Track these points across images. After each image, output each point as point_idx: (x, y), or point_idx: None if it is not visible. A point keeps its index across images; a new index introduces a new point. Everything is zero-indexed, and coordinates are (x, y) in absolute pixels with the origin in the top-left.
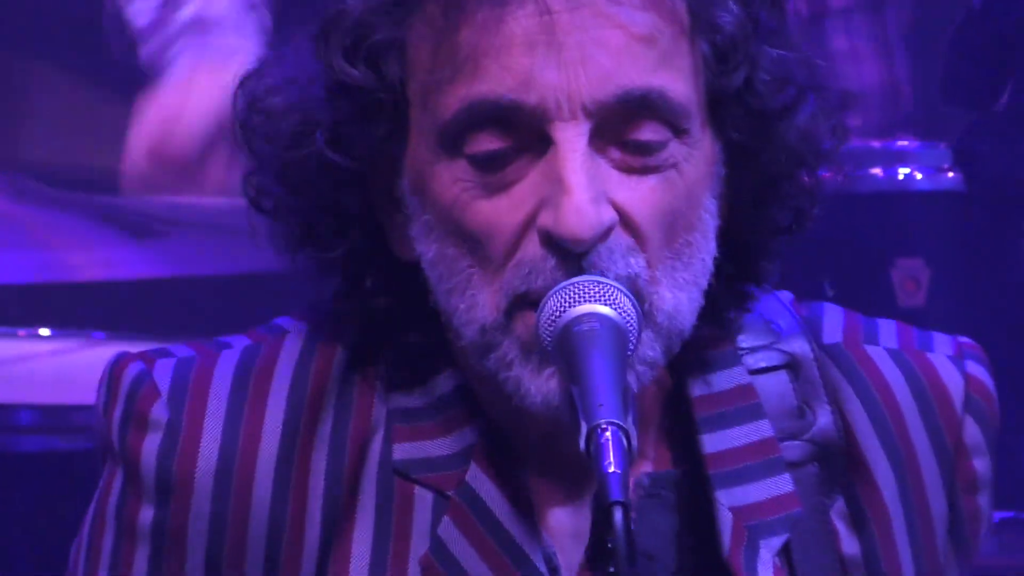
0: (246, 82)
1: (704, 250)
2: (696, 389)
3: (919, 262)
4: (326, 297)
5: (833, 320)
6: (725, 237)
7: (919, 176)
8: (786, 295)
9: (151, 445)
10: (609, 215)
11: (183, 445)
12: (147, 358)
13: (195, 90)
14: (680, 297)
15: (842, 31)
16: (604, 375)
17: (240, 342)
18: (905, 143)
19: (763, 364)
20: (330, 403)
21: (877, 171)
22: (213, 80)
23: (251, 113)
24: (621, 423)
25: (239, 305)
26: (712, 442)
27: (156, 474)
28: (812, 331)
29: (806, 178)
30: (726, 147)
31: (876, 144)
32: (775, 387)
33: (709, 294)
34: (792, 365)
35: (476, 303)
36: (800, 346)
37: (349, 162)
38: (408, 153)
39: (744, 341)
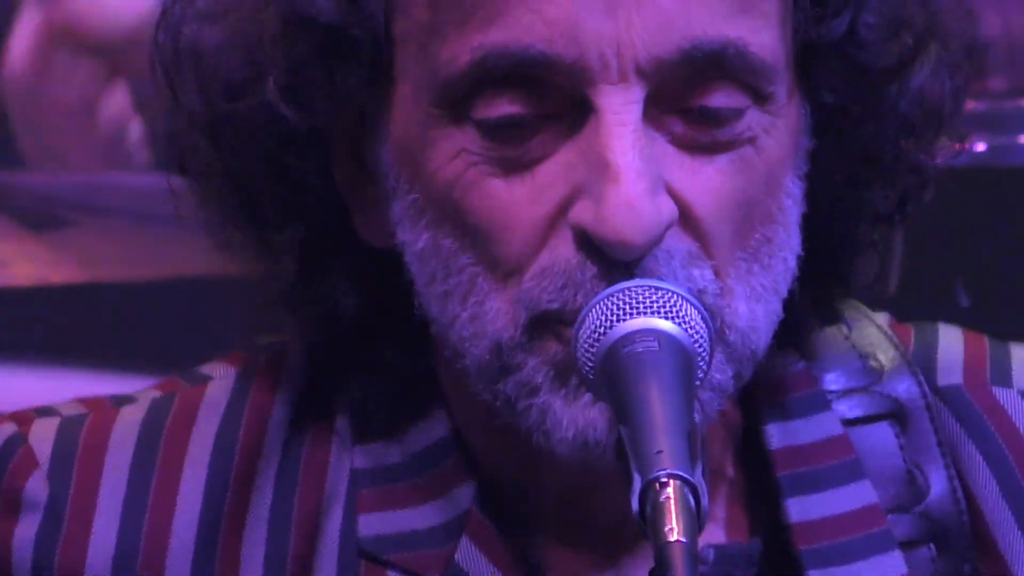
0: (170, 7)
1: (786, 247)
2: (776, 439)
3: None
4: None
5: (951, 352)
6: (808, 228)
7: None
8: (882, 316)
9: (26, 532)
10: (669, 210)
11: (69, 531)
12: (21, 418)
13: None
14: (756, 310)
15: None
16: (665, 412)
17: (147, 395)
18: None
19: (859, 413)
20: (270, 465)
21: (994, 140)
22: None
23: (177, 50)
24: (688, 476)
25: (181, 322)
26: (801, 508)
27: (33, 570)
28: (923, 367)
29: (916, 151)
30: (815, 111)
31: (996, 105)
32: (876, 443)
33: (788, 304)
34: (897, 415)
35: (484, 312)
36: (907, 389)
37: (308, 118)
38: (392, 112)
39: (833, 381)
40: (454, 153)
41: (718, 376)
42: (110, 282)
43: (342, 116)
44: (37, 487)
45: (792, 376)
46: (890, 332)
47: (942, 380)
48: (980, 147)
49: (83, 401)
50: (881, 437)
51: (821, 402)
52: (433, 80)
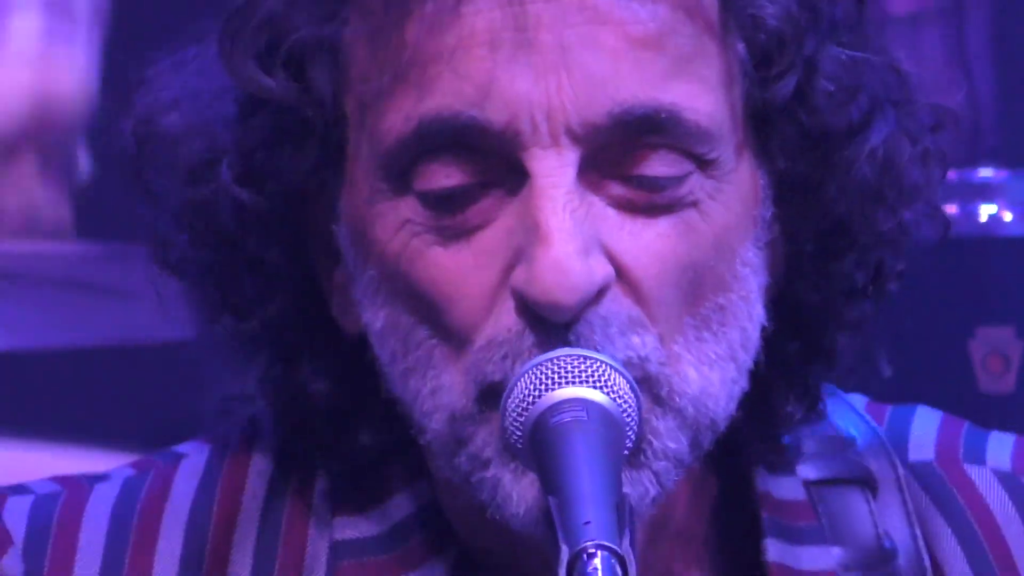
0: (135, 97)
1: (744, 315)
2: (761, 483)
3: (1008, 332)
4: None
5: (925, 430)
6: (782, 302)
7: (1008, 216)
8: (858, 398)
9: None
10: (602, 271)
11: None
12: None
13: None
14: (710, 377)
15: (907, 44)
16: (593, 483)
17: (121, 473)
18: (990, 173)
19: (828, 475)
20: (246, 540)
21: (951, 209)
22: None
23: (142, 138)
24: (615, 547)
25: (99, 390)
26: (778, 551)
27: None
28: (895, 445)
29: (888, 221)
30: (777, 180)
31: (951, 175)
32: (846, 507)
33: (760, 379)
34: (868, 482)
35: (441, 385)
36: (879, 463)
37: (264, 201)
38: (344, 188)
39: (805, 446)
40: (399, 225)
41: (671, 444)
42: (33, 349)
43: (302, 197)
44: (13, 564)
45: (766, 443)
46: (864, 412)
47: (913, 456)
48: None
49: (57, 479)
50: (851, 500)
51: (790, 467)
52: (374, 153)
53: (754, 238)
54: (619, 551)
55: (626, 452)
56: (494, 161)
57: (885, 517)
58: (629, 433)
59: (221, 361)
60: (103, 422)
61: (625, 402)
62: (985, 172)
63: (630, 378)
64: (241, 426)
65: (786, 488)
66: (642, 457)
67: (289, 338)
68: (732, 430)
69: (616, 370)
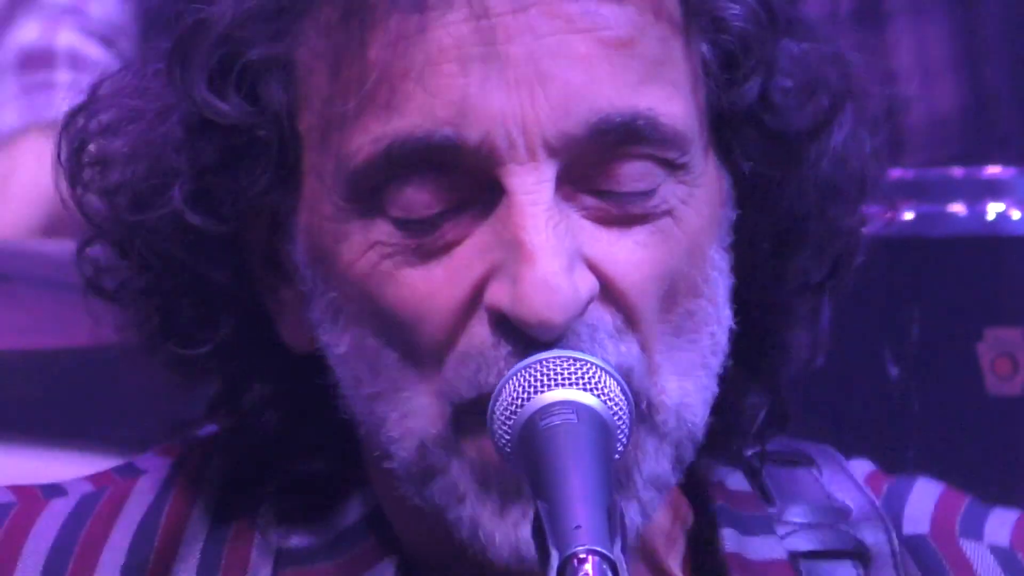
0: (72, 119)
1: (713, 320)
2: (729, 543)
3: (1016, 334)
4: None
5: (922, 501)
6: (739, 302)
7: (1016, 215)
8: (863, 465)
9: None
10: (588, 285)
11: None
12: None
13: (24, 155)
14: (686, 386)
15: (910, 32)
16: (584, 487)
17: (78, 489)
18: (997, 170)
19: (820, 547)
20: (191, 551)
21: (958, 208)
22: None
23: (79, 162)
24: (607, 552)
25: (84, 391)
26: None
27: None
28: (892, 516)
29: (847, 217)
30: (736, 181)
31: (957, 172)
32: None
33: (721, 388)
34: (861, 555)
35: (412, 409)
36: (874, 535)
37: (217, 225)
38: (301, 208)
39: (797, 514)
40: (367, 246)
41: (656, 468)
42: (18, 350)
43: (253, 219)
44: None
45: (740, 493)
46: (861, 481)
47: (908, 529)
48: (907, 215)
49: (14, 489)
50: (841, 574)
51: (768, 527)
52: (339, 174)
53: (720, 239)
54: (611, 556)
55: (617, 456)
56: (469, 180)
57: None
58: (620, 437)
59: None
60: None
61: (616, 405)
62: (993, 169)
63: (621, 381)
64: (201, 445)
65: (763, 549)
66: (632, 488)
67: (236, 362)
68: (702, 481)
69: (607, 372)
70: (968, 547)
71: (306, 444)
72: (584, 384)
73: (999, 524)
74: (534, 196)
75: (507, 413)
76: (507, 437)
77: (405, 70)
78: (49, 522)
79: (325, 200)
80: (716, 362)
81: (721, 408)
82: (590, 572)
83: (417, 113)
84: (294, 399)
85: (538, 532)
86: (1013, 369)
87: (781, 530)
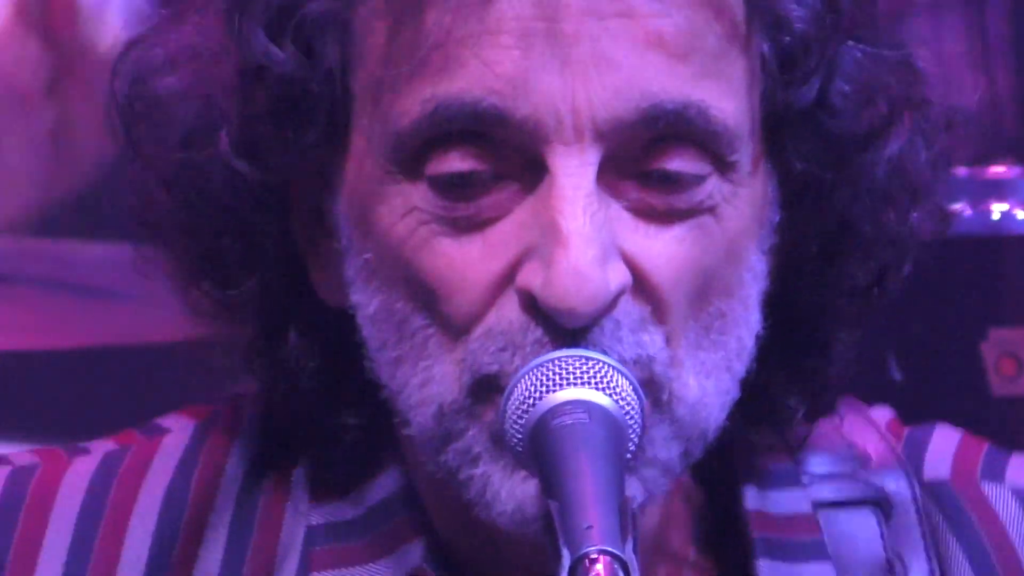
0: (129, 51)
1: (742, 323)
2: (751, 501)
3: (1021, 334)
4: (229, 384)
5: (942, 448)
6: (778, 306)
7: (1020, 214)
8: (884, 413)
9: None
10: (620, 278)
11: None
12: None
13: None
14: (706, 385)
15: (928, 34)
16: (596, 486)
17: (101, 447)
18: (1002, 170)
19: (841, 496)
20: (221, 520)
21: (963, 208)
22: None
23: (134, 95)
24: (618, 552)
25: (94, 391)
26: (770, 571)
27: None
28: (912, 462)
29: (897, 223)
30: (786, 182)
31: (962, 172)
32: (855, 529)
33: (757, 386)
34: (882, 504)
35: (432, 377)
36: (895, 482)
37: (262, 173)
38: (348, 166)
39: (818, 464)
40: (406, 210)
41: (663, 453)
42: (21, 351)
43: (299, 172)
44: None
45: (768, 451)
46: (883, 428)
47: (928, 474)
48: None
49: (37, 451)
50: (861, 523)
51: (794, 479)
52: (386, 135)
53: (759, 242)
54: (622, 556)
55: (629, 455)
56: (512, 154)
57: (899, 540)
58: (632, 436)
59: (216, 362)
60: (87, 419)
61: (628, 404)
62: (997, 169)
63: (634, 380)
64: (227, 406)
65: (786, 502)
66: (632, 462)
67: (274, 309)
68: (725, 448)
69: (619, 372)
70: (990, 490)
71: (341, 403)
72: (596, 383)
73: (1020, 467)
74: (576, 179)
75: (519, 411)
76: (519, 435)
77: (462, 38)
78: (75, 482)
79: (370, 161)
80: (740, 367)
81: (757, 405)
82: (602, 572)
83: (468, 80)
84: (329, 355)
85: (549, 531)
86: (1018, 369)
87: (804, 481)
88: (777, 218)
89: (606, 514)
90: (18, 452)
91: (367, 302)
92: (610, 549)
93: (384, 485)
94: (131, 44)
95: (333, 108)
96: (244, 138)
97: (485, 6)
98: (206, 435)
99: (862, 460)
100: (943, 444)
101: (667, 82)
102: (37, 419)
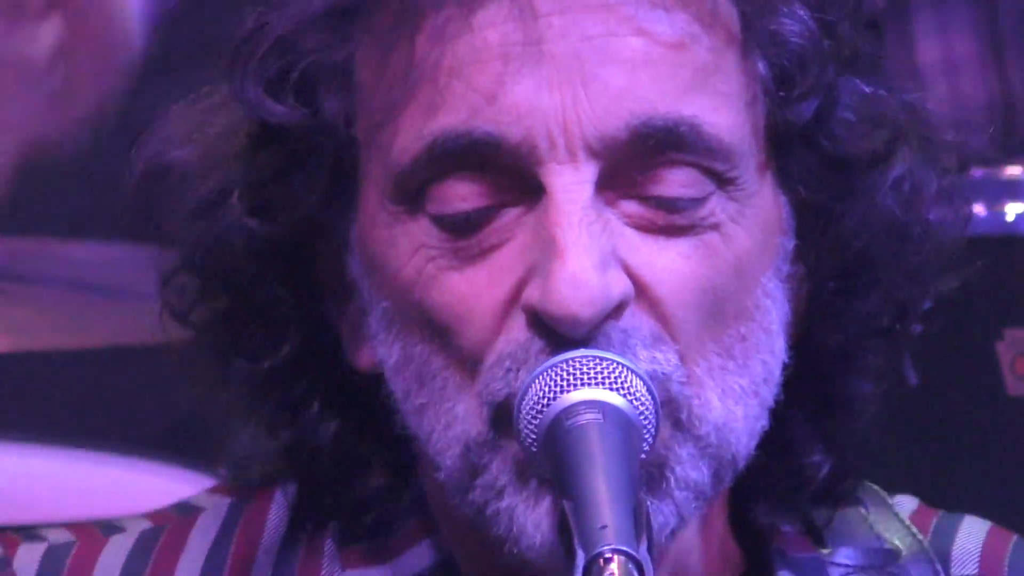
0: (145, 138)
1: (765, 348)
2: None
3: None
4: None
5: (970, 542)
6: (802, 345)
7: None
8: (908, 503)
9: None
10: (620, 285)
11: None
12: (7, 541)
13: None
14: (733, 410)
15: (934, 29)
16: (610, 487)
17: (137, 526)
18: (1016, 171)
19: None
20: None
21: (978, 209)
22: None
23: (150, 176)
24: (632, 552)
25: (110, 391)
26: None
27: None
28: (940, 556)
29: (914, 258)
30: (799, 210)
31: (977, 173)
32: None
33: (781, 441)
34: None
35: (456, 417)
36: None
37: (275, 230)
38: (360, 218)
39: (847, 556)
40: (413, 249)
41: (693, 473)
42: (39, 351)
43: (315, 228)
44: None
45: (793, 535)
46: (908, 520)
47: (956, 570)
48: None
49: (71, 527)
50: None
51: (822, 570)
52: (388, 176)
53: (775, 268)
54: (636, 556)
55: (643, 456)
56: (509, 178)
57: None
58: (647, 436)
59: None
60: (104, 420)
61: (642, 404)
62: (1013, 170)
63: (647, 380)
64: (260, 477)
65: None
66: (664, 485)
67: (300, 380)
68: (751, 488)
69: (633, 372)
70: None
71: (368, 468)
72: (610, 383)
73: None
74: (571, 195)
75: (533, 412)
76: (533, 436)
77: (449, 67)
78: (112, 559)
79: (378, 207)
80: (767, 393)
81: (780, 463)
82: (616, 572)
83: (459, 109)
84: (355, 420)
85: (564, 531)
86: None
87: (834, 573)
88: (791, 244)
89: (620, 514)
90: (53, 527)
91: (389, 353)
92: (624, 548)
93: (419, 556)
94: (145, 133)
95: (338, 158)
96: (256, 198)
97: (469, 34)
98: (240, 513)
99: (891, 554)
100: (971, 537)
101: (656, 99)
102: (55, 420)
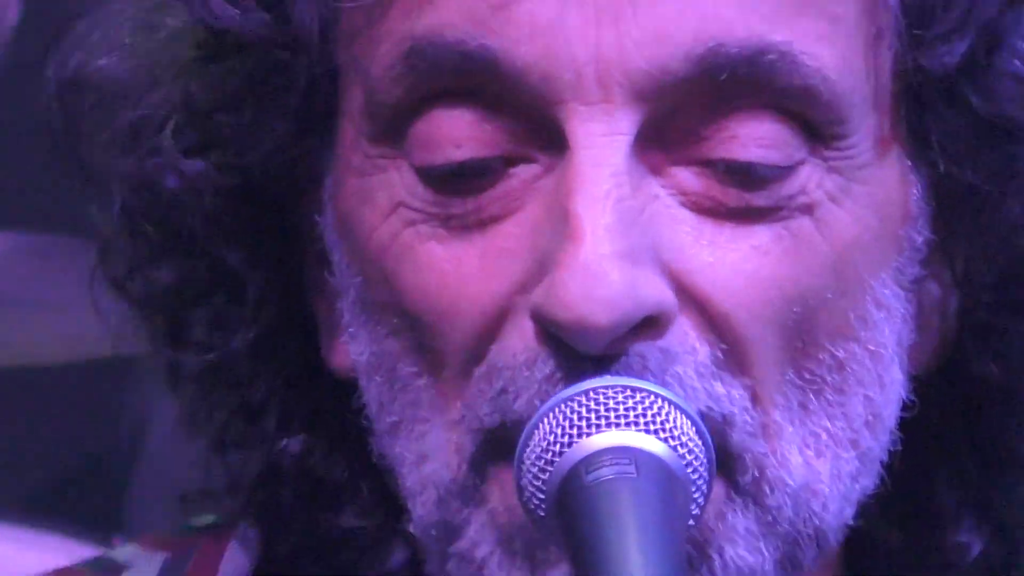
0: (64, 41)
1: (871, 379)
2: None
3: None
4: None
5: None
6: (949, 377)
7: None
8: None
9: None
10: (656, 290)
11: None
12: None
13: None
14: (817, 466)
15: None
16: (644, 565)
17: None
18: None
19: None
20: None
21: None
22: None
23: (72, 91)
24: None
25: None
26: None
27: None
28: None
29: None
30: (939, 193)
31: None
32: None
33: (918, 512)
34: None
35: (428, 450)
36: None
37: (221, 177)
38: (335, 165)
39: None
40: (391, 207)
41: (749, 556)
42: None
43: (277, 179)
44: None
45: None
46: None
47: None
48: None
49: None
50: None
51: None
52: (367, 104)
53: (896, 270)
54: None
55: (692, 523)
56: (524, 122)
57: None
58: (696, 497)
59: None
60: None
61: (690, 452)
62: None
63: (697, 420)
64: (205, 535)
65: None
66: (703, 569)
67: (256, 380)
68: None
69: (677, 407)
70: None
71: (341, 502)
72: (646, 424)
73: None
74: (599, 153)
75: (540, 463)
76: (540, 496)
77: None
78: None
79: (352, 147)
80: (872, 441)
81: (915, 541)
82: None
83: (453, 11)
84: (324, 437)
85: None
86: None
87: None
88: (923, 239)
89: None
90: None
91: (360, 349)
92: None
93: None
94: (66, 28)
95: (313, 83)
96: (199, 131)
97: None
98: (179, 571)
99: None
100: None
101: (733, 16)
102: None
